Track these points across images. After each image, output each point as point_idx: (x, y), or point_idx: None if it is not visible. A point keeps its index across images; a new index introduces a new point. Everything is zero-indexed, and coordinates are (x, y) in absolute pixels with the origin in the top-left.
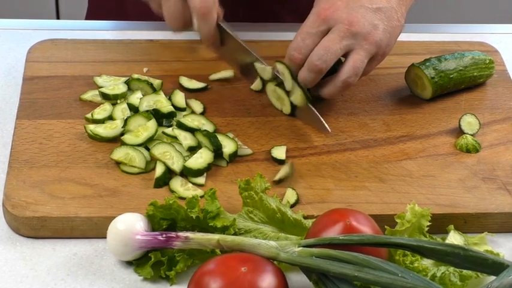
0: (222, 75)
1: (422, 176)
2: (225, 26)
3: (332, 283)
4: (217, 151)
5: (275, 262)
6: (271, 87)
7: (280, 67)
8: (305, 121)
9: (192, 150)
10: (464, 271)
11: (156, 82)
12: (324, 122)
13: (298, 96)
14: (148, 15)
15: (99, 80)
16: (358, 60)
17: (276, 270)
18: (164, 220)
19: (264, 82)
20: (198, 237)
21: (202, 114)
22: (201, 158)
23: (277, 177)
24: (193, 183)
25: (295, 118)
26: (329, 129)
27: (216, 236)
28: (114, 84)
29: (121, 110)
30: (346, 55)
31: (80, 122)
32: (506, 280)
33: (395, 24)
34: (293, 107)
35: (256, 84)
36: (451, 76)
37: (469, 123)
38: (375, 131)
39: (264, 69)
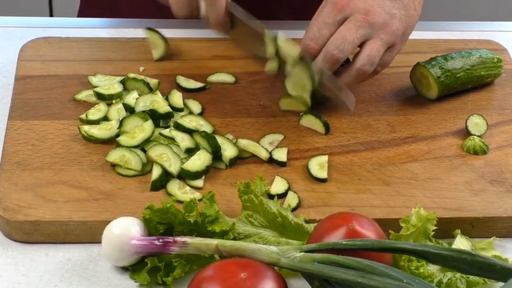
0: (221, 78)
1: (428, 178)
2: (235, 11)
3: None
4: (216, 153)
5: (276, 268)
6: (295, 70)
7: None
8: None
9: (190, 152)
10: (472, 277)
11: (153, 82)
12: (349, 93)
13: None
14: (141, 12)
15: (94, 80)
16: (373, 48)
17: (277, 276)
18: (161, 224)
19: (283, 63)
20: (196, 242)
21: (200, 114)
22: (199, 160)
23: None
24: (191, 186)
25: (299, 119)
26: (353, 99)
27: (214, 241)
28: (109, 84)
29: (116, 111)
30: (362, 45)
31: (74, 123)
32: None
33: (412, 14)
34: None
35: (271, 66)
36: (458, 75)
37: (476, 124)
38: (379, 132)
39: (290, 48)
